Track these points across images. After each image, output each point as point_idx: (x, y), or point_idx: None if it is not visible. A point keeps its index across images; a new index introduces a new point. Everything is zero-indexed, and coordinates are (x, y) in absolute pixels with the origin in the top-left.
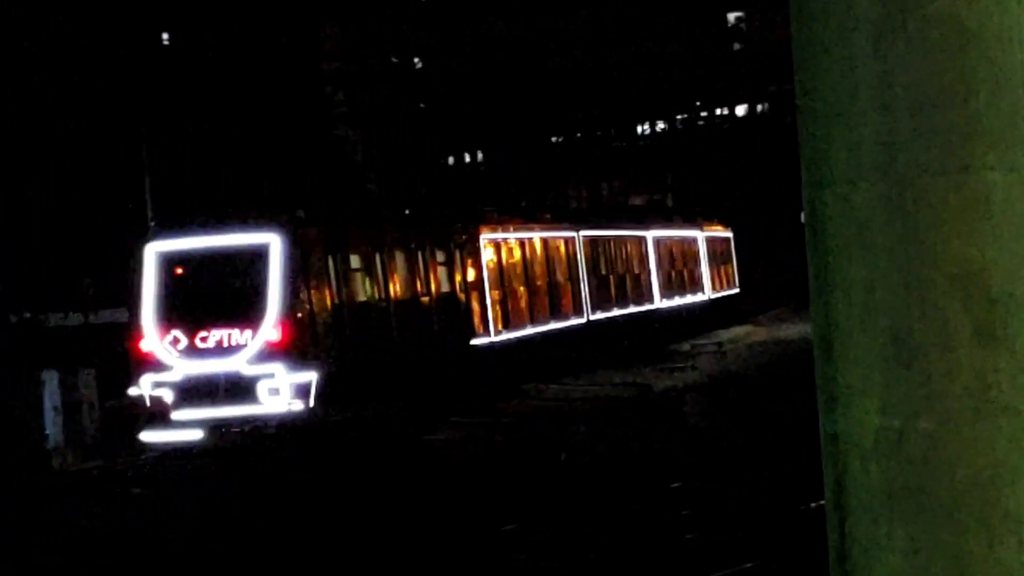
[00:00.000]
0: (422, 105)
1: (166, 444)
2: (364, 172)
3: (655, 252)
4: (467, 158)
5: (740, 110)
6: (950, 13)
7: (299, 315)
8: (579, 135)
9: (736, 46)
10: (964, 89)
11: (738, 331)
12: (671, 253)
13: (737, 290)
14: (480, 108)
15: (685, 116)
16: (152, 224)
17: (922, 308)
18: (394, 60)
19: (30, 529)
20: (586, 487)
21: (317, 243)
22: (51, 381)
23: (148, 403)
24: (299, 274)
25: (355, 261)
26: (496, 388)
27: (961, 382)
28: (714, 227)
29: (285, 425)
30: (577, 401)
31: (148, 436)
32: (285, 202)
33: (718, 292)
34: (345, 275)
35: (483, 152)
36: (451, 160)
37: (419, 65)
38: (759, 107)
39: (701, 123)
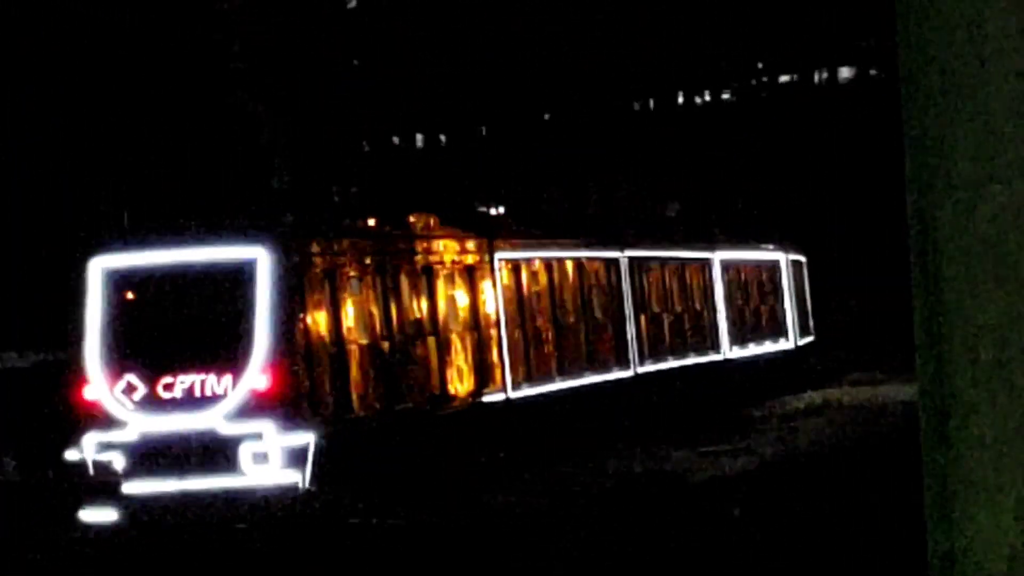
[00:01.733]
0: (356, 61)
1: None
2: (268, 156)
3: (723, 281)
4: (418, 140)
5: (807, 76)
6: None
7: (294, 356)
8: (583, 113)
9: None
10: None
11: (813, 395)
12: (744, 284)
13: (812, 338)
14: (439, 67)
15: (736, 85)
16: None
17: None
18: None
19: None
20: None
21: (316, 260)
22: None
23: (92, 471)
24: (295, 301)
25: (360, 284)
26: (497, 469)
27: None
28: (770, 247)
29: (270, 506)
30: (579, 497)
31: (90, 515)
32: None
33: (770, 346)
34: (348, 302)
35: (443, 133)
36: (396, 141)
37: (352, 3)
38: (827, 73)
39: (759, 94)
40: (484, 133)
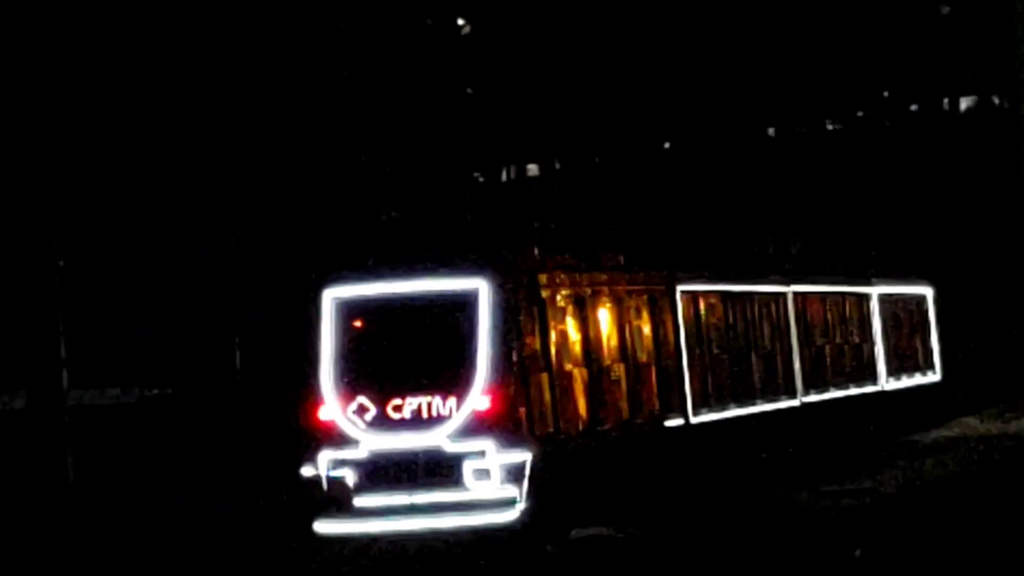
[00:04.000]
0: (469, 90)
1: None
2: (374, 183)
3: (880, 315)
4: (506, 174)
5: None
6: None
7: (512, 380)
8: (704, 143)
9: (944, 9)
10: None
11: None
12: (896, 317)
13: (938, 377)
14: (553, 95)
15: (860, 114)
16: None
17: None
18: (428, 22)
19: None
20: None
21: (530, 291)
22: None
23: (326, 486)
24: (511, 329)
25: (568, 314)
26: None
27: None
28: (918, 282)
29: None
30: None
31: (324, 527)
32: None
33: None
34: (555, 331)
35: (539, 164)
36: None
37: (466, 29)
38: (962, 102)
39: (879, 124)
40: (597, 161)
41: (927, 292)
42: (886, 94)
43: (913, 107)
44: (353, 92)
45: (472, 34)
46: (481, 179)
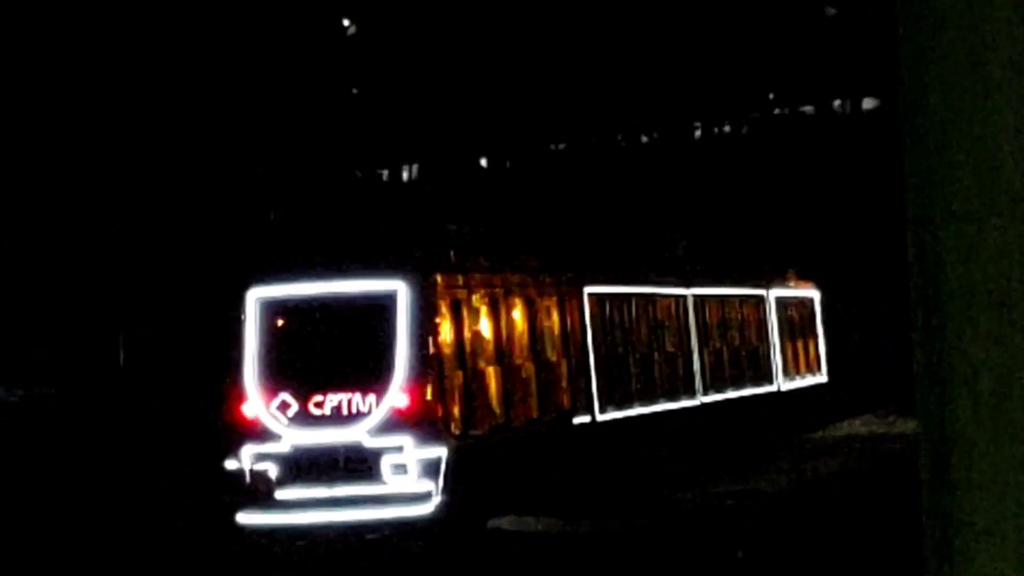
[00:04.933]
0: (355, 90)
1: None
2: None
3: (777, 317)
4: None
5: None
6: None
7: (429, 377)
8: (595, 144)
9: (829, 10)
10: None
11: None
12: (791, 319)
13: (824, 378)
14: (444, 95)
15: (754, 116)
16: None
17: None
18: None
19: None
20: None
21: (445, 292)
22: None
23: (248, 479)
24: (428, 329)
25: (481, 315)
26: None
27: None
28: (807, 284)
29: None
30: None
31: (246, 518)
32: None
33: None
34: (469, 331)
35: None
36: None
37: (352, 30)
38: (836, 103)
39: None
40: (485, 164)
41: (815, 295)
42: (771, 96)
43: (806, 108)
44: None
45: (357, 34)
46: (385, 177)
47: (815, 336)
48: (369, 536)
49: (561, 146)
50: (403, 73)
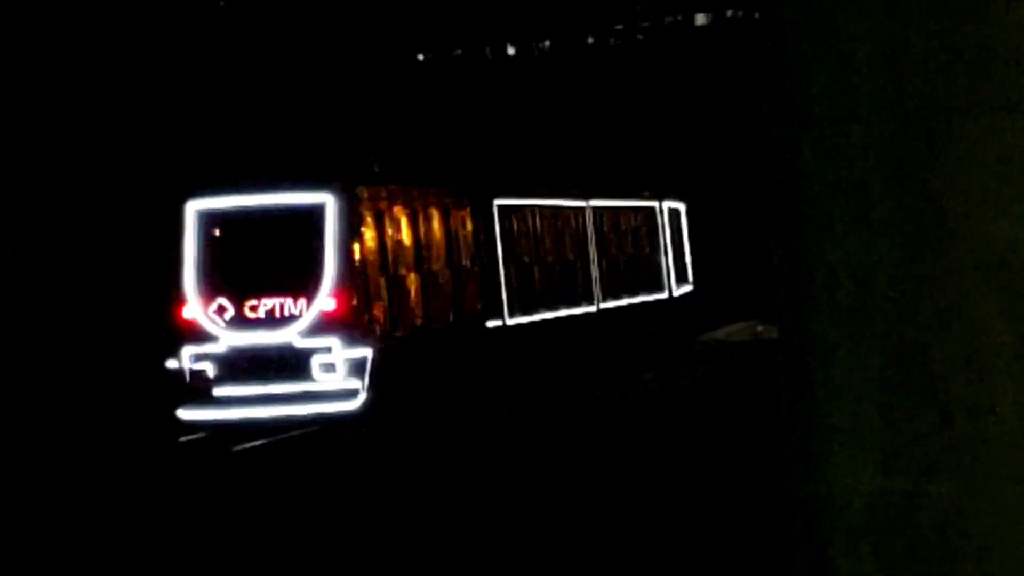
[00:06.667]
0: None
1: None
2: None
3: (668, 228)
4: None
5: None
6: None
7: (356, 283)
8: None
9: None
10: None
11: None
12: (675, 230)
13: (690, 287)
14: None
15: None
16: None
17: (942, 311)
18: None
19: None
20: None
21: (370, 204)
22: None
23: (188, 378)
24: (354, 238)
25: (402, 225)
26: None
27: (1000, 425)
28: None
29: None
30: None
31: (186, 414)
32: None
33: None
34: (393, 240)
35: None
36: None
37: None
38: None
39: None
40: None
41: (680, 207)
42: (639, 7)
43: (668, 19)
44: None
45: None
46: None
47: (682, 248)
48: (299, 430)
49: (458, 52)
50: None
